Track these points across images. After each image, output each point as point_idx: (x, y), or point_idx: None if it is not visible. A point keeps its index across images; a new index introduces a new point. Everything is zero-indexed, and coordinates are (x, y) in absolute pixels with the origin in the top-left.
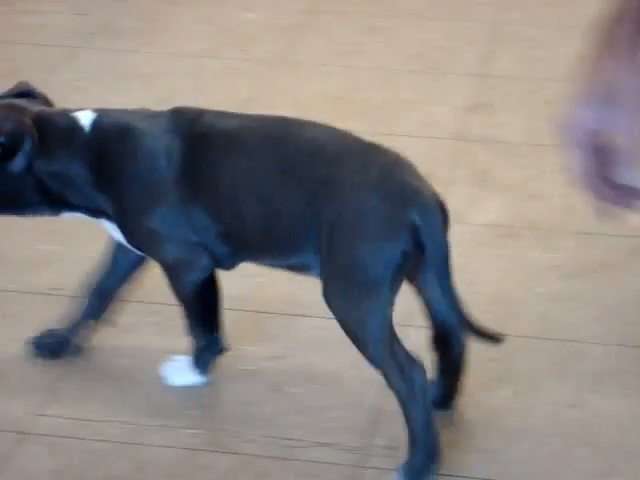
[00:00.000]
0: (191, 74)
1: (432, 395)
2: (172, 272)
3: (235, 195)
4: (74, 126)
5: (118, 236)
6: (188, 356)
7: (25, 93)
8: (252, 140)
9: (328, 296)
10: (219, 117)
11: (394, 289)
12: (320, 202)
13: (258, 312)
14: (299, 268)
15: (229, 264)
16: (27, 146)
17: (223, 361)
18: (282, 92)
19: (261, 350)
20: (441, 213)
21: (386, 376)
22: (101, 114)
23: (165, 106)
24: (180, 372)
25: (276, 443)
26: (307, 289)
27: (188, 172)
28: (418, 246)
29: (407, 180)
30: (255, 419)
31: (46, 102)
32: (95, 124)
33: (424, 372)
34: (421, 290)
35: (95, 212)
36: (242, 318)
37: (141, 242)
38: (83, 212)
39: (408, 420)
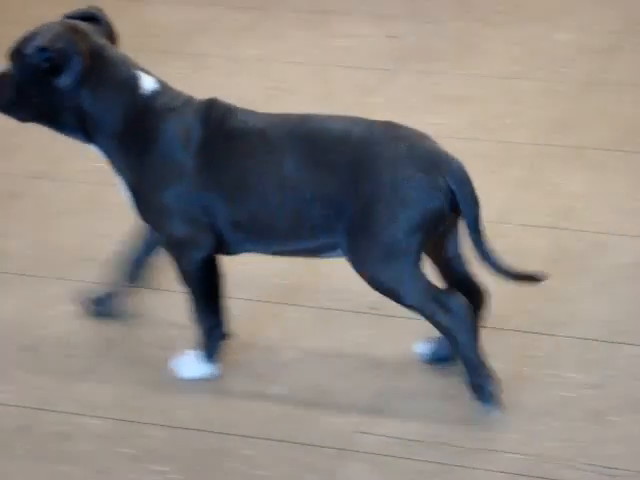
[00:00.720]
0: (503, 95)
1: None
2: (177, 249)
3: (263, 187)
4: (133, 82)
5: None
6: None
7: (90, 16)
8: (279, 135)
9: (364, 265)
10: (249, 114)
11: (425, 245)
12: (354, 183)
13: (579, 338)
14: (323, 249)
15: (236, 250)
16: (74, 67)
17: (542, 386)
18: (597, 114)
19: (582, 377)
20: (464, 171)
21: (431, 318)
22: (160, 87)
23: (477, 127)
24: (189, 365)
25: (597, 471)
26: (629, 315)
27: (211, 161)
28: (452, 207)
29: (435, 148)
30: (575, 446)
31: (110, 30)
32: (149, 93)
33: (462, 299)
34: (442, 248)
35: (115, 167)
36: (561, 343)
37: (150, 215)
38: (106, 158)
39: (459, 346)
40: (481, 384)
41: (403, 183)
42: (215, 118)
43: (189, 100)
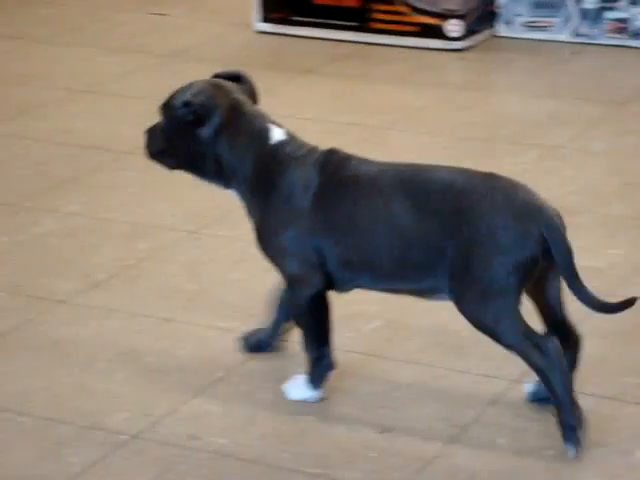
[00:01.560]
0: None
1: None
2: (290, 285)
3: (370, 229)
4: (263, 134)
5: None
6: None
7: (236, 77)
8: (388, 183)
9: (465, 306)
10: (362, 163)
11: (523, 288)
12: (454, 229)
13: None
14: (427, 291)
15: (345, 287)
16: (214, 120)
17: None
18: None
19: None
20: (558, 220)
21: (526, 357)
22: (288, 138)
23: None
24: (297, 387)
25: None
26: None
27: (326, 206)
28: (545, 254)
29: (530, 199)
30: None
31: (251, 89)
32: (278, 142)
33: (556, 342)
34: (543, 293)
35: (247, 210)
36: None
37: (270, 254)
38: (241, 199)
39: (552, 388)
40: (570, 424)
41: (498, 231)
42: (332, 166)
43: (312, 150)
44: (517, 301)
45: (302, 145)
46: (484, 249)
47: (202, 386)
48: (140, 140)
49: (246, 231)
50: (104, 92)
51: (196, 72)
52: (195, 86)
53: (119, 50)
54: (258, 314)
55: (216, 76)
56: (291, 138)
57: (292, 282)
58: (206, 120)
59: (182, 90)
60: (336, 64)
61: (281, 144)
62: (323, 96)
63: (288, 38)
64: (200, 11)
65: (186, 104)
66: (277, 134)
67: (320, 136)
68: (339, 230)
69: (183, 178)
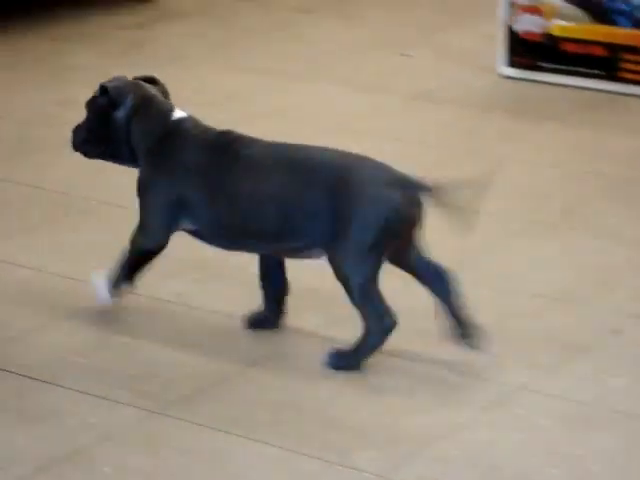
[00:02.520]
0: None
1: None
2: (140, 231)
3: (253, 199)
4: (167, 113)
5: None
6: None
7: (151, 80)
8: (272, 159)
9: (337, 261)
10: (251, 142)
11: (387, 250)
12: (335, 197)
13: None
14: (301, 250)
15: (231, 249)
16: (127, 103)
17: None
18: None
19: None
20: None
21: (365, 315)
22: (188, 117)
23: None
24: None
25: None
26: None
27: (210, 179)
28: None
29: (396, 174)
30: None
31: (163, 89)
32: (178, 119)
33: (390, 322)
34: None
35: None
36: None
37: (142, 201)
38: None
39: (367, 335)
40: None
41: (368, 199)
42: (222, 143)
43: (209, 129)
44: (380, 263)
45: (200, 125)
46: (362, 215)
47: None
48: None
49: None
50: (350, 130)
51: (439, 114)
52: (113, 79)
53: (366, 89)
54: None
55: (134, 78)
56: (191, 118)
57: (142, 230)
58: (120, 103)
59: (107, 82)
60: (582, 112)
61: (180, 121)
62: (566, 143)
63: (533, 84)
64: (445, 53)
65: (102, 89)
66: (178, 113)
67: (559, 183)
68: (222, 200)
69: None
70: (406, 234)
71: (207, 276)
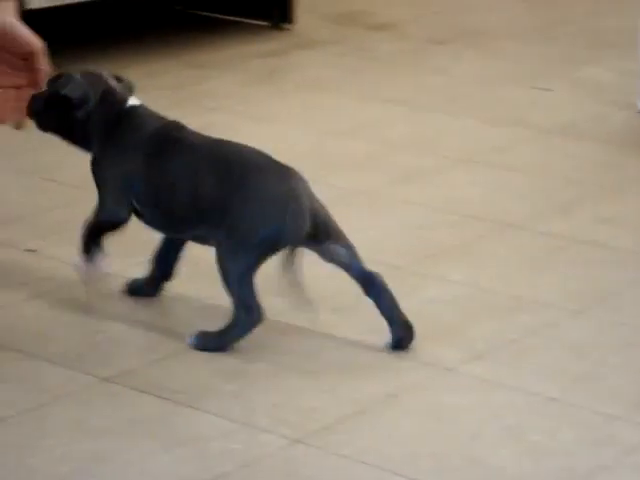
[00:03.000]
0: None
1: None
2: (99, 208)
3: (174, 184)
4: (122, 102)
5: None
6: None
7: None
8: (199, 150)
9: (219, 252)
10: (188, 134)
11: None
12: (232, 193)
13: None
14: (202, 238)
15: (160, 230)
16: (89, 105)
17: None
18: None
19: None
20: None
21: (236, 305)
22: (141, 105)
23: None
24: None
25: None
26: None
27: (148, 161)
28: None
29: (293, 186)
30: None
31: (129, 85)
32: (130, 107)
33: (257, 317)
34: (330, 255)
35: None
36: None
37: (97, 181)
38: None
39: (233, 324)
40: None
41: (262, 202)
42: (163, 132)
43: (158, 118)
44: (261, 260)
45: (152, 113)
46: (250, 213)
47: (588, 469)
48: (509, 215)
49: (630, 316)
50: (484, 163)
51: (576, 149)
52: (75, 80)
53: (501, 121)
54: None
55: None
56: (143, 106)
57: (100, 207)
58: (81, 106)
59: (69, 78)
60: None
61: (133, 107)
62: None
63: None
64: (582, 87)
65: (66, 97)
66: (132, 101)
67: None
68: (155, 181)
69: (565, 255)
70: (292, 244)
71: (346, 305)
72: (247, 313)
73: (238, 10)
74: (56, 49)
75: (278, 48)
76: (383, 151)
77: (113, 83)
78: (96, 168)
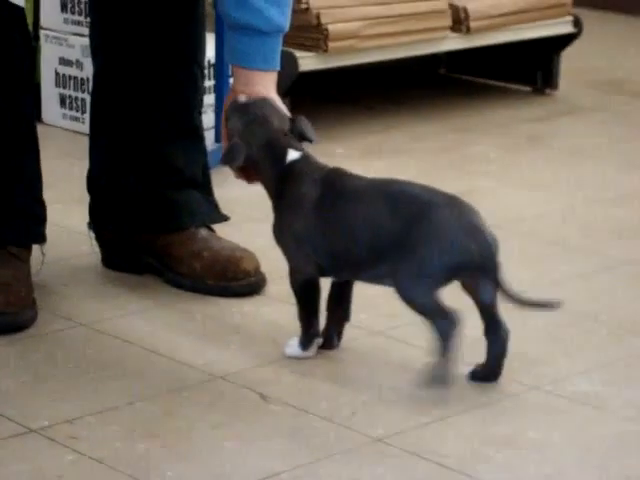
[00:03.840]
0: None
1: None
2: (291, 271)
3: (353, 229)
4: (283, 156)
5: None
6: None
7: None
8: (371, 193)
9: (398, 286)
10: (355, 178)
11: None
12: (411, 228)
13: None
14: (379, 277)
15: (334, 276)
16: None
17: None
18: None
19: None
20: (493, 244)
21: (429, 323)
22: (301, 159)
23: None
24: (291, 347)
25: None
26: None
27: (322, 212)
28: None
29: (477, 221)
30: None
31: (299, 126)
32: (291, 161)
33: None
34: (478, 296)
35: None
36: None
37: (280, 244)
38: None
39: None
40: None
41: (441, 237)
42: (330, 180)
43: (319, 168)
44: (436, 290)
45: (310, 164)
46: (430, 246)
47: None
48: None
49: None
50: None
51: None
52: (233, 147)
53: None
54: None
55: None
56: (304, 157)
57: (292, 269)
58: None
59: (230, 148)
60: None
61: (292, 164)
62: None
63: None
64: None
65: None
66: (291, 155)
67: None
68: (330, 230)
69: None
70: (467, 280)
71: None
72: (443, 317)
73: (501, 75)
74: (324, 110)
75: (541, 114)
76: None
77: (278, 130)
78: (276, 231)
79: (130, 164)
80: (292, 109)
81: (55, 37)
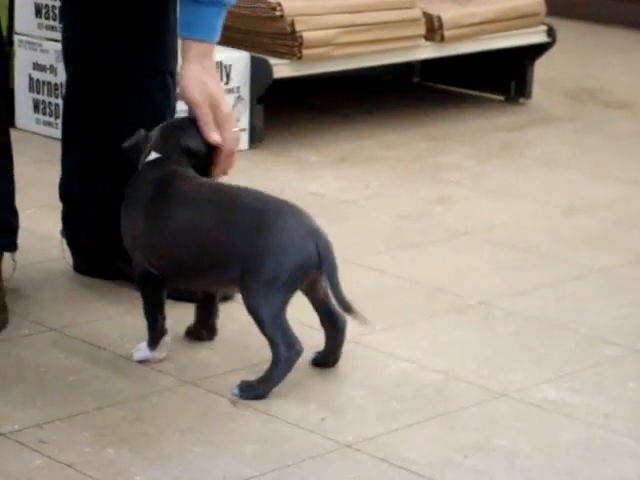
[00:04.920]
0: None
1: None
2: (133, 266)
3: (180, 234)
4: (145, 156)
5: None
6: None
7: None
8: (198, 198)
9: (249, 298)
10: (187, 181)
11: (295, 289)
12: (252, 239)
13: None
14: (222, 283)
15: (169, 281)
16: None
17: None
18: None
19: None
20: (330, 245)
21: (273, 344)
22: (156, 160)
23: None
24: (140, 350)
25: None
26: None
27: (154, 214)
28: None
29: (311, 224)
30: None
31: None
32: (147, 161)
33: (297, 349)
34: (316, 293)
35: None
36: None
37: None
38: None
39: (276, 364)
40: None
41: (286, 245)
42: (164, 182)
43: (165, 170)
44: (288, 299)
45: (162, 166)
46: (273, 257)
47: None
48: None
49: None
50: None
51: None
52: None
53: None
54: None
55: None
56: (161, 160)
57: (133, 264)
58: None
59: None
60: None
61: (148, 162)
62: None
63: None
64: None
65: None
66: (152, 156)
67: None
68: (158, 233)
69: None
70: (311, 280)
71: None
72: (288, 349)
73: (475, 83)
74: (297, 117)
75: (514, 123)
76: (618, 230)
77: (168, 138)
78: (122, 232)
79: (102, 170)
80: (266, 116)
81: (29, 42)
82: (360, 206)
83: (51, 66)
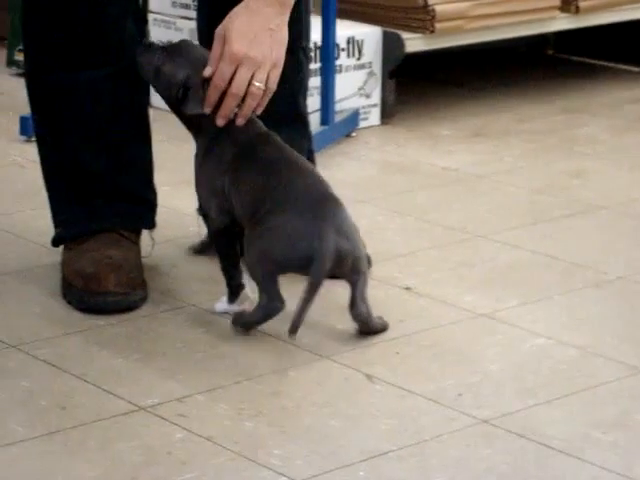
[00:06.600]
0: None
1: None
2: (206, 220)
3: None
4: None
5: None
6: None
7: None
8: (272, 164)
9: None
10: (271, 146)
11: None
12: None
13: None
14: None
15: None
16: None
17: None
18: None
19: None
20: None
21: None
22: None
23: None
24: (220, 303)
25: None
26: None
27: (235, 171)
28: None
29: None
30: None
31: None
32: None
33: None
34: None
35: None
36: None
37: (198, 192)
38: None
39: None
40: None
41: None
42: (248, 142)
43: (247, 130)
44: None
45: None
46: (279, 214)
47: None
48: None
49: None
50: None
51: None
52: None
53: None
54: None
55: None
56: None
57: (207, 218)
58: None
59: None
60: None
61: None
62: None
63: None
64: None
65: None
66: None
67: None
68: (234, 189)
69: None
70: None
71: None
72: (269, 300)
73: (610, 55)
74: (429, 92)
75: None
76: None
77: None
78: (196, 181)
79: None
80: (398, 91)
81: (163, 20)
82: (494, 180)
83: None
